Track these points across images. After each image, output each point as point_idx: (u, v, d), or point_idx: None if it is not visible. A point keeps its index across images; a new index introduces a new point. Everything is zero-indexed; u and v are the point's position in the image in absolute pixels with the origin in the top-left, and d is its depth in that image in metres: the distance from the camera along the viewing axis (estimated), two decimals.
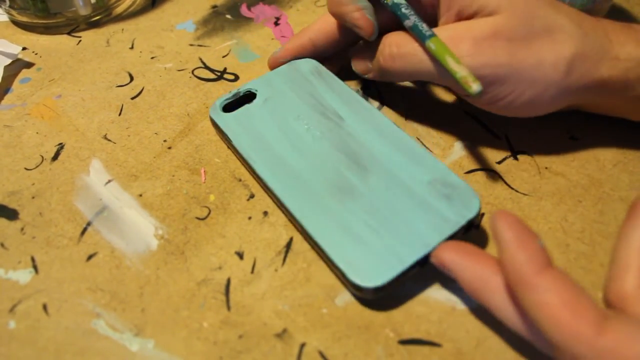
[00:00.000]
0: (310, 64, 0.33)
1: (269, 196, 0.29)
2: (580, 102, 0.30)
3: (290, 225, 0.28)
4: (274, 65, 0.34)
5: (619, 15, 0.40)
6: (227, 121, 0.31)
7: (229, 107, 0.32)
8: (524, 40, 0.27)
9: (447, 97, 0.35)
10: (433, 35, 0.27)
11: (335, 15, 0.32)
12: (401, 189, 0.27)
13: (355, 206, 0.26)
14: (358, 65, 0.33)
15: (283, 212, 0.28)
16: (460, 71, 0.26)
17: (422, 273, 0.26)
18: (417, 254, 0.25)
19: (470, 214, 0.26)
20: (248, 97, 0.32)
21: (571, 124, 0.33)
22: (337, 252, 0.25)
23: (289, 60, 0.34)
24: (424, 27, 0.27)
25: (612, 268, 0.22)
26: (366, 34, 0.30)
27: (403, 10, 0.28)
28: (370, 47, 0.31)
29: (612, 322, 0.19)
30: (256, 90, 0.32)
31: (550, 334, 0.20)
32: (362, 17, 0.30)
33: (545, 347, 0.21)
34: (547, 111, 0.29)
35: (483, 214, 0.29)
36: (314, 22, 0.33)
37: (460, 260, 0.23)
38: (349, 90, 0.32)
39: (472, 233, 0.28)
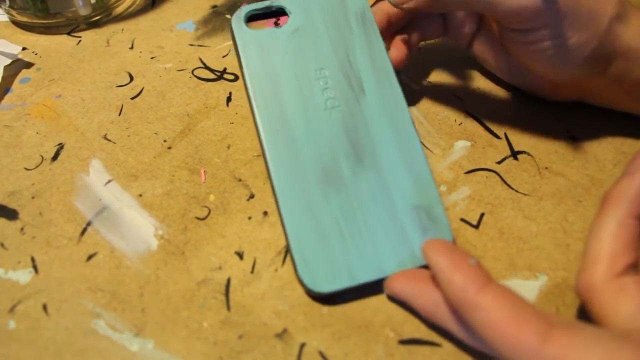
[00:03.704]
0: (360, 2, 0.30)
1: (259, 142, 0.28)
2: (599, 80, 0.30)
3: None
4: None
5: None
6: (247, 39, 0.29)
7: (253, 21, 0.29)
8: None
9: (447, 96, 0.35)
10: None
11: None
12: (385, 202, 0.26)
13: (334, 200, 0.26)
14: None
15: (265, 167, 0.27)
16: None
17: None
18: (370, 276, 0.25)
19: None
20: (277, 15, 0.30)
21: (571, 123, 0.33)
22: (298, 243, 0.25)
23: None
24: None
25: (583, 260, 0.22)
26: None
27: None
28: None
29: (558, 329, 0.20)
30: (290, 12, 0.30)
31: (498, 349, 0.20)
32: None
33: None
34: (572, 73, 0.28)
35: (483, 214, 0.29)
36: None
37: (411, 289, 0.24)
38: (385, 58, 0.29)
39: (470, 233, 0.28)
